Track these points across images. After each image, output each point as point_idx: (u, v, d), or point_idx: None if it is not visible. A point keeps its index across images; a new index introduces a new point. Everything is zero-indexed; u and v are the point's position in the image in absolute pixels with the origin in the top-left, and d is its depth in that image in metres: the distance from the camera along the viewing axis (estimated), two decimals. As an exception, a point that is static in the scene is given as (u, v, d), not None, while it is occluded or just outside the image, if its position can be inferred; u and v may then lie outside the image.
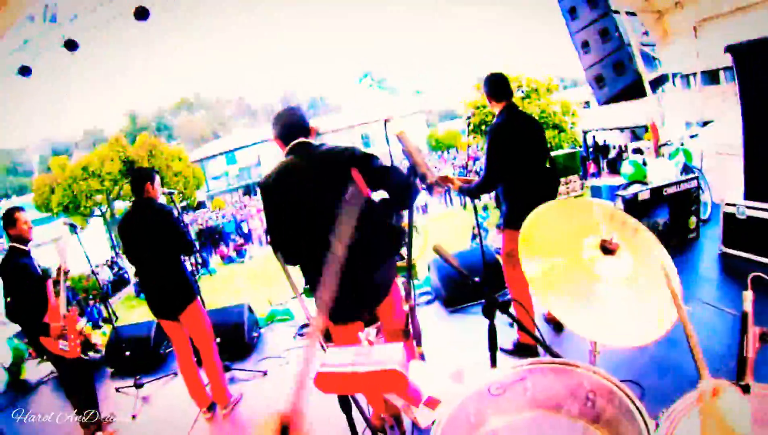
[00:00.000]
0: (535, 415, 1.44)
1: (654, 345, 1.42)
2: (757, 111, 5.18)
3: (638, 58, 7.86)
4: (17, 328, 6.40)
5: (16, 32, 7.46)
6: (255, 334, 6.17)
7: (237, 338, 5.80)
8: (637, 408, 1.22)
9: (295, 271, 3.04)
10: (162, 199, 4.47)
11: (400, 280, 3.23)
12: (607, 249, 1.52)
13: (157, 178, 4.36)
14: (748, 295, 1.36)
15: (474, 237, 6.14)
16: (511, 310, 1.81)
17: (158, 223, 4.15)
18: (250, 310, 6.30)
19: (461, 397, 1.42)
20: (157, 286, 4.28)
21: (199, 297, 4.43)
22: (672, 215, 6.14)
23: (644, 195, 5.96)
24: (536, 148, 4.01)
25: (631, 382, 3.36)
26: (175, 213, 4.47)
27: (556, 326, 4.48)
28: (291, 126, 2.98)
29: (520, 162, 3.88)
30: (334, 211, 2.66)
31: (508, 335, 4.20)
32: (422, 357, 2.91)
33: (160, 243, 4.14)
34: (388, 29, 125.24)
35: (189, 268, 4.58)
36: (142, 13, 7.46)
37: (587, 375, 1.39)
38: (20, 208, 4.48)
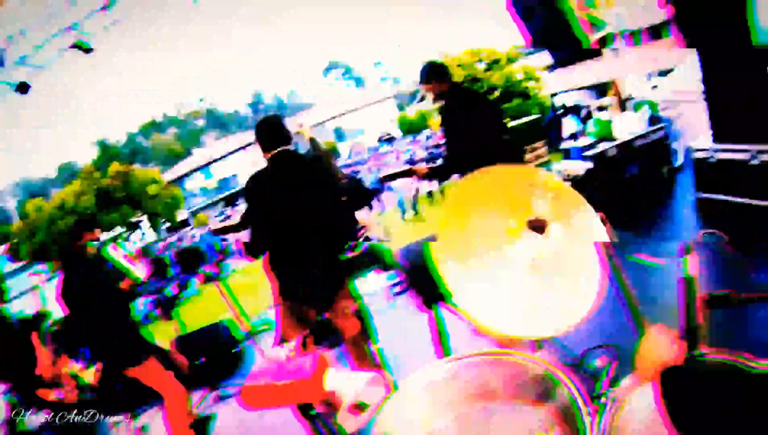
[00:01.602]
0: (478, 407, 1.42)
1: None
2: (713, 55, 5.19)
3: (582, 20, 7.83)
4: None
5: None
6: (238, 349, 6.09)
7: (219, 356, 5.74)
8: (578, 392, 1.20)
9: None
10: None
11: None
12: (536, 228, 1.41)
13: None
14: (692, 259, 1.20)
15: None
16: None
17: None
18: (229, 325, 6.25)
19: (396, 401, 1.42)
20: None
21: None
22: (643, 167, 6.14)
23: (612, 151, 5.93)
24: (488, 126, 3.92)
25: (608, 345, 3.30)
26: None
27: None
28: (272, 135, 3.25)
29: (473, 141, 3.81)
30: (312, 213, 2.96)
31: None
32: (381, 354, 2.95)
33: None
34: (349, 16, 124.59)
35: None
36: (23, 88, 7.53)
37: (523, 363, 1.36)
38: None
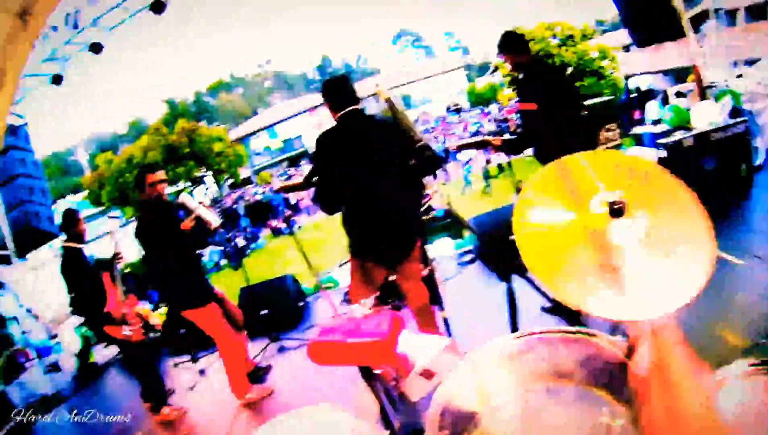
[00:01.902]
0: (546, 386, 1.37)
1: (703, 301, 1.21)
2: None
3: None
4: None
5: (43, 42, 7.85)
6: (301, 304, 6.33)
7: (283, 309, 5.97)
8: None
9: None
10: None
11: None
12: (615, 211, 1.23)
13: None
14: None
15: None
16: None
17: None
18: (295, 280, 6.47)
19: (463, 370, 1.38)
20: None
21: None
22: (720, 162, 5.75)
23: (688, 141, 5.63)
24: (565, 101, 3.80)
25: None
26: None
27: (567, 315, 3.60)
28: (342, 95, 3.23)
29: (550, 114, 3.68)
30: (380, 171, 3.00)
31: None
32: (446, 322, 2.95)
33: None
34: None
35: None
36: (158, 6, 7.66)
37: (601, 346, 1.31)
38: (77, 210, 4.81)
